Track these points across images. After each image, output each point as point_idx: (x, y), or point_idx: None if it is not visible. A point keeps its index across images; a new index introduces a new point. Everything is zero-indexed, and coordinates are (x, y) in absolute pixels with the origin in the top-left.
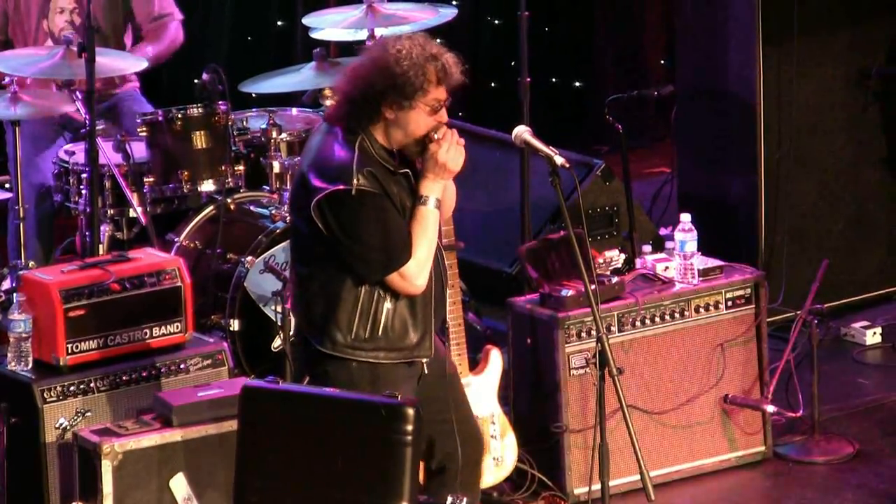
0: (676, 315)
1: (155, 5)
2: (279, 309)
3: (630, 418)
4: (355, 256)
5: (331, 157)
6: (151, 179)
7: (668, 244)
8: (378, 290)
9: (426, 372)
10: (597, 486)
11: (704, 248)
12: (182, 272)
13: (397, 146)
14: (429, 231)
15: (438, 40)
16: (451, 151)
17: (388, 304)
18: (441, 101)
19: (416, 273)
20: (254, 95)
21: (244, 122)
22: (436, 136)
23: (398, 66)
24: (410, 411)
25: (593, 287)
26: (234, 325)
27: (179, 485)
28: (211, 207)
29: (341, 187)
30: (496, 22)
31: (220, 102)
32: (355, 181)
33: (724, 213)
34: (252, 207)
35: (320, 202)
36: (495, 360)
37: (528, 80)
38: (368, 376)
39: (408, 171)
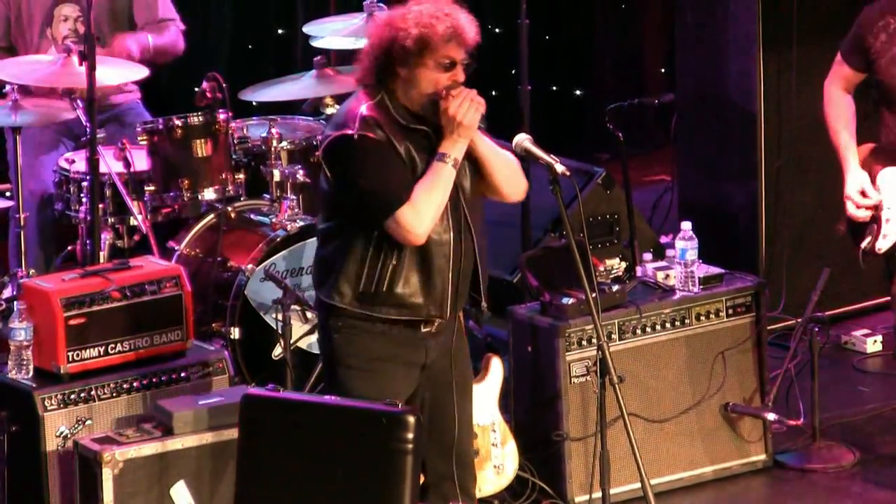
0: (677, 323)
1: (157, 10)
2: (280, 317)
3: (631, 426)
4: (354, 202)
5: (344, 109)
6: (152, 188)
7: (669, 252)
8: (385, 244)
9: (429, 359)
10: (598, 495)
11: (705, 256)
12: (182, 280)
13: (416, 106)
14: (437, 185)
15: None
16: (464, 107)
17: (394, 259)
18: (452, 58)
19: (412, 221)
20: (254, 104)
21: (244, 131)
22: (448, 94)
23: (404, 21)
24: (411, 419)
25: (594, 295)
26: (235, 333)
27: (180, 493)
28: (211, 216)
29: (346, 132)
30: (496, 30)
31: (220, 111)
32: (357, 126)
33: (724, 220)
34: (252, 216)
35: (325, 148)
36: (496, 368)
37: (529, 87)
38: (369, 342)
39: (426, 129)
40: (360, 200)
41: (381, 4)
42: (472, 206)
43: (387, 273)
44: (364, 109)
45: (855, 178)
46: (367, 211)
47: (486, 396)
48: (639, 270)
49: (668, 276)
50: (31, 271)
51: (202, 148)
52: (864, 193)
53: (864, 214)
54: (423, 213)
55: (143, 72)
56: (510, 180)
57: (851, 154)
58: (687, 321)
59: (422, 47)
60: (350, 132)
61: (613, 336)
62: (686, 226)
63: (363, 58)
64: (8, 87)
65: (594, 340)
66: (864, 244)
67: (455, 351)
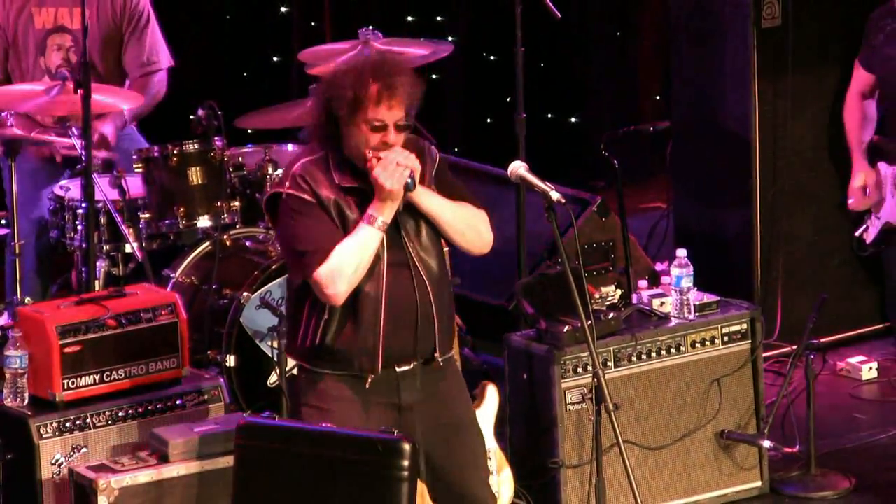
0: (672, 350)
1: (144, 53)
2: (275, 345)
3: (626, 454)
4: (286, 257)
5: (288, 165)
6: (147, 215)
7: (664, 279)
8: (319, 299)
9: (404, 400)
10: None
11: (700, 283)
12: (178, 308)
13: (359, 163)
14: (357, 247)
15: (434, 76)
16: (387, 171)
17: (326, 314)
18: (382, 120)
19: (325, 280)
20: (249, 131)
21: (240, 158)
22: (374, 156)
23: (342, 80)
24: (407, 447)
25: (589, 322)
26: (230, 360)
27: None
28: (207, 243)
29: (278, 189)
30: (492, 58)
31: (215, 138)
32: (288, 184)
33: (720, 248)
34: (248, 243)
35: (264, 204)
36: (491, 395)
37: (524, 115)
38: (329, 384)
39: (364, 187)
40: (286, 258)
41: (378, 33)
42: (426, 259)
43: (319, 327)
44: (298, 167)
45: (857, 176)
46: (290, 268)
47: (481, 424)
48: (634, 298)
49: (663, 303)
50: (27, 299)
51: (197, 175)
52: (864, 189)
53: (861, 207)
54: (338, 273)
55: (137, 100)
56: (464, 236)
57: (857, 154)
58: (682, 348)
59: (354, 108)
60: (281, 190)
61: (609, 363)
62: (681, 253)
63: (310, 117)
64: (4, 115)
65: (590, 368)
66: (857, 233)
67: (438, 394)
